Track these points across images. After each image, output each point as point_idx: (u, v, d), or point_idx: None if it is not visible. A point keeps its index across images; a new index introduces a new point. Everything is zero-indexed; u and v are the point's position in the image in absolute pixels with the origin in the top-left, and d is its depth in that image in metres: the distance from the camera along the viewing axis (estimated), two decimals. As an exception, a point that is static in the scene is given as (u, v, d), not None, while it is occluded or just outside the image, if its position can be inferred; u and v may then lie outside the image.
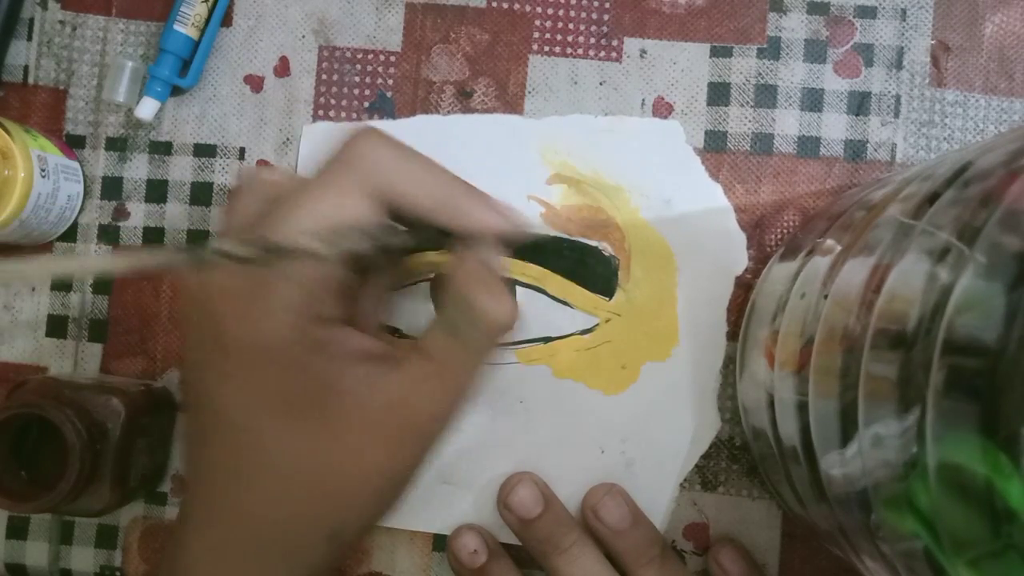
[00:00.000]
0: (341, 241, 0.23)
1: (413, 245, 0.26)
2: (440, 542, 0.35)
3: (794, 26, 0.35)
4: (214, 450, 0.24)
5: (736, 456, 0.34)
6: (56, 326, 0.36)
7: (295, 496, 0.23)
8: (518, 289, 0.34)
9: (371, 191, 0.24)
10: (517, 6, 0.35)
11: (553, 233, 0.34)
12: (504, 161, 0.35)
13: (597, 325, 0.34)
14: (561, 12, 0.35)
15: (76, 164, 0.35)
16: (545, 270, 0.34)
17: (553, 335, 0.34)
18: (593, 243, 0.34)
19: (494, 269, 0.26)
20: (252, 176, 0.26)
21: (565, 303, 0.34)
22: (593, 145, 0.35)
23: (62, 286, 0.36)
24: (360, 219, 0.24)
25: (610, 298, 0.34)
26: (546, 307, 0.34)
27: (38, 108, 0.36)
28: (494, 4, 0.36)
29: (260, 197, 0.25)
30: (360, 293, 0.28)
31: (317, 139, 0.36)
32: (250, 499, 0.23)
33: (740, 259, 0.34)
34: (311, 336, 0.23)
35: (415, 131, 0.35)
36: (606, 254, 0.34)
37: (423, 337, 0.25)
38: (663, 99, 0.35)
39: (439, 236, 0.26)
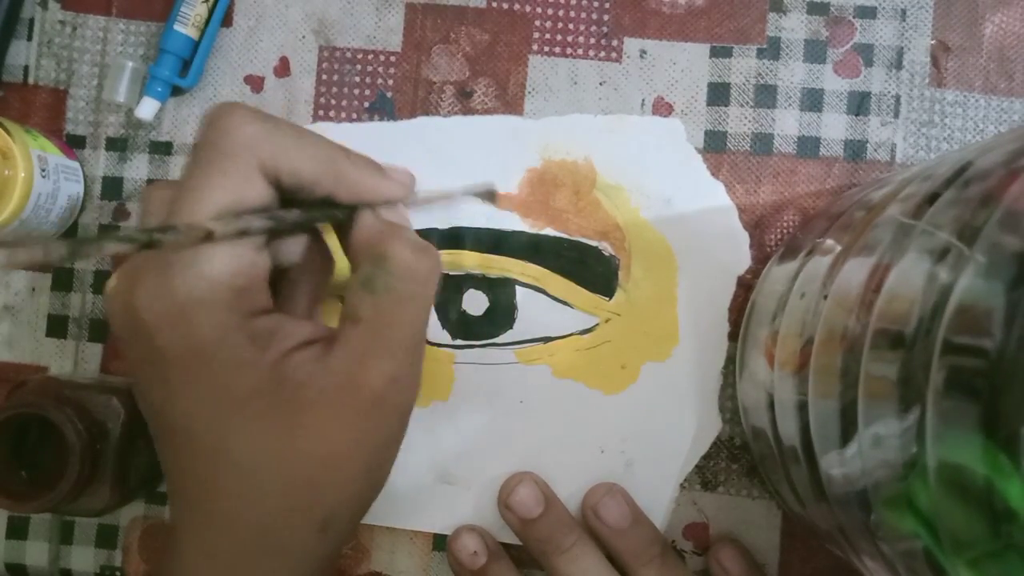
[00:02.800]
0: (235, 222, 0.22)
1: (311, 219, 0.25)
2: (440, 542, 0.35)
3: (794, 26, 0.35)
4: (180, 460, 0.24)
5: (736, 456, 0.34)
6: (56, 326, 0.36)
7: (270, 492, 0.23)
8: (518, 289, 0.34)
9: (257, 168, 0.23)
10: (517, 6, 0.35)
11: (456, 194, 0.33)
12: (504, 162, 0.35)
13: (597, 325, 0.34)
14: (561, 12, 0.35)
15: (76, 164, 0.35)
16: (545, 270, 0.34)
17: (553, 335, 0.34)
18: (593, 243, 0.34)
19: (399, 222, 0.25)
20: (151, 189, 0.25)
21: (565, 303, 0.34)
22: (593, 145, 0.35)
23: (62, 286, 0.36)
24: (256, 199, 0.23)
25: (610, 298, 0.34)
26: (546, 307, 0.34)
27: (38, 108, 0.36)
28: (494, 4, 0.36)
29: (162, 205, 0.24)
30: (291, 290, 0.28)
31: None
32: (225, 503, 0.23)
33: (743, 258, 0.34)
34: (247, 330, 0.23)
35: (415, 133, 0.35)
36: (606, 254, 0.34)
37: (346, 301, 0.24)
38: (663, 99, 0.35)
39: (335, 207, 0.25)
